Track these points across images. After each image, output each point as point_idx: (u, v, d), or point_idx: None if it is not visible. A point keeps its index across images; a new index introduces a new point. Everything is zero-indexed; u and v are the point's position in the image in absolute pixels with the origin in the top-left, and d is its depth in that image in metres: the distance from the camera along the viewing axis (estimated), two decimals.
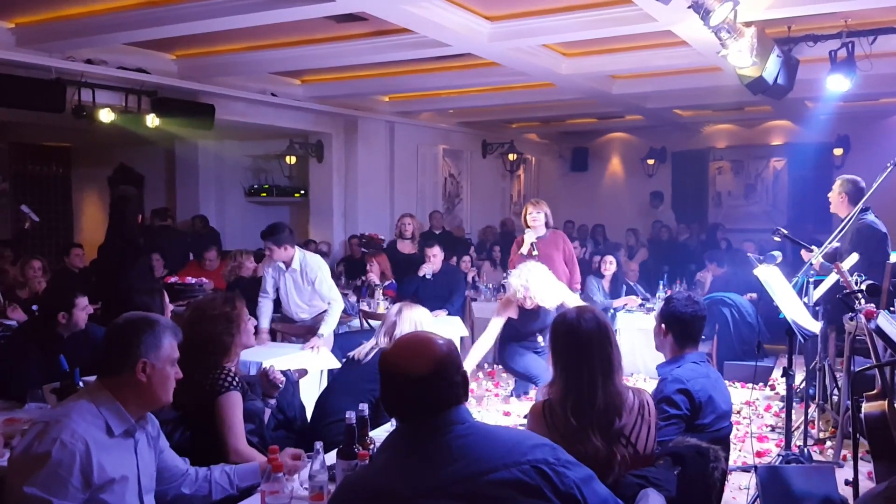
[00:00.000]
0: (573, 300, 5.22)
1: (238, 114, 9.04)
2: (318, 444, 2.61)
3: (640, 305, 7.58)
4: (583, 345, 2.54)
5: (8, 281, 6.72)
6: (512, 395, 6.75)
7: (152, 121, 7.91)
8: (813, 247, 5.28)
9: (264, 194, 11.69)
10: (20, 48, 6.78)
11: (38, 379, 3.79)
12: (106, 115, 7.54)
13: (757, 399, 6.45)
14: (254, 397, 3.24)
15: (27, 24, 6.68)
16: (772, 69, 6.02)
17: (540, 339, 5.32)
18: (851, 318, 4.50)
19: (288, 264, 5.64)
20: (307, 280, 5.70)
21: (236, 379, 3.04)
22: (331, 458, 2.71)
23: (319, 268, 5.69)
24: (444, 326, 6.74)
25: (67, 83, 7.19)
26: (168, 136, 9.85)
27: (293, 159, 11.03)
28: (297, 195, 11.43)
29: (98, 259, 8.20)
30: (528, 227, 6.42)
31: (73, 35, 6.63)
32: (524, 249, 6.30)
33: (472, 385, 6.94)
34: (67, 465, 2.09)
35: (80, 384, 3.41)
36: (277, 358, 4.85)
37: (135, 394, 2.30)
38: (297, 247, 5.69)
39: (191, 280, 5.65)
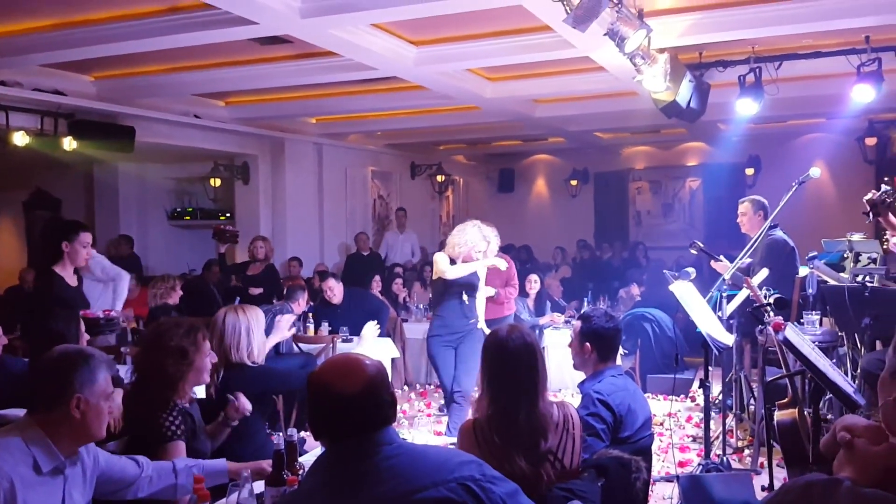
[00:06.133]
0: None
1: (161, 136, 8.85)
2: (246, 472, 2.58)
3: (566, 322, 7.72)
4: (508, 364, 2.59)
5: None
6: (443, 411, 6.76)
7: (69, 143, 7.68)
8: (721, 256, 5.54)
9: (188, 217, 11.45)
10: None
11: None
12: (20, 139, 7.30)
13: (678, 411, 6.63)
14: (202, 438, 3.04)
15: None
16: (684, 93, 6.29)
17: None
18: (761, 331, 4.72)
19: None
20: None
21: (182, 426, 2.83)
22: (259, 486, 2.67)
23: None
24: (375, 347, 6.71)
25: None
26: (87, 160, 9.55)
27: (218, 182, 10.85)
28: (222, 217, 11.23)
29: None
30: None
31: None
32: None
33: (405, 406, 6.92)
34: None
35: None
36: None
37: (67, 430, 2.22)
38: None
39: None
